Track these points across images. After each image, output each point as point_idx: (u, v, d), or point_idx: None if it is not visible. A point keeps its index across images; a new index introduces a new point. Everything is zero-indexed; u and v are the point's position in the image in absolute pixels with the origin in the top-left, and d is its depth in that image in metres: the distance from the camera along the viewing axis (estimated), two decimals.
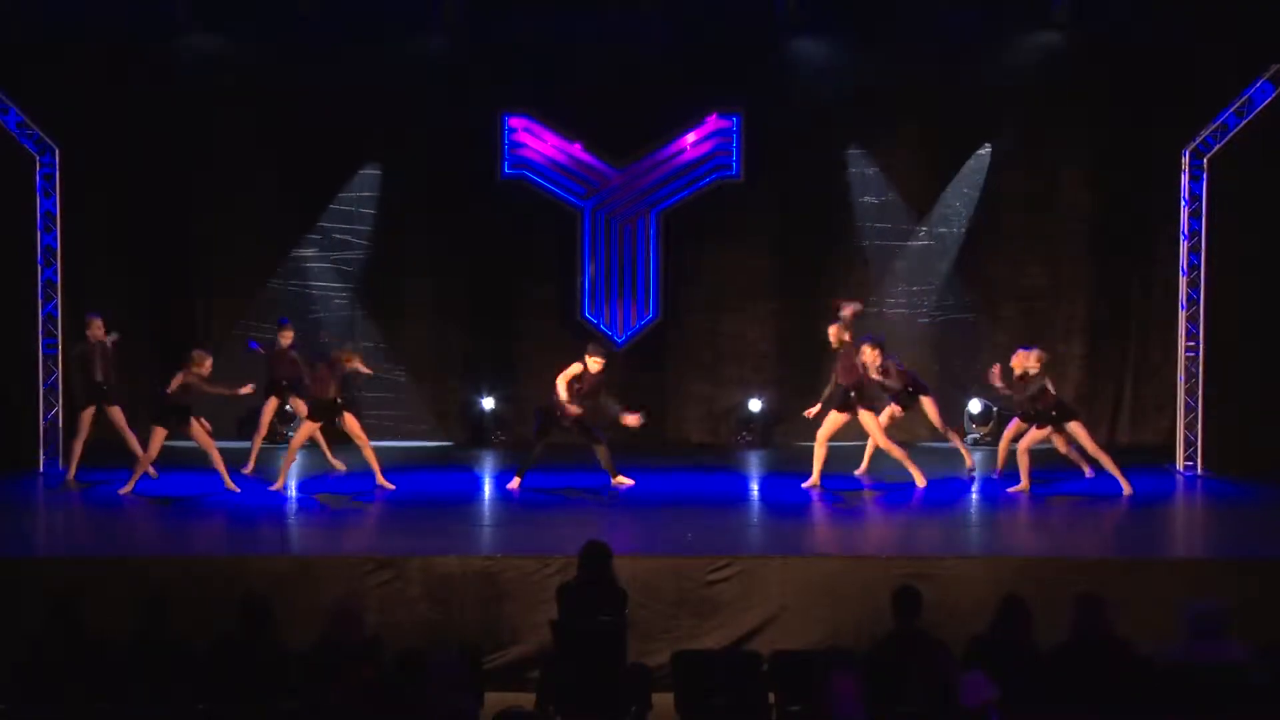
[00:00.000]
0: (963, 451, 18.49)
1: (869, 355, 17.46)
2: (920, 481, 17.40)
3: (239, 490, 16.94)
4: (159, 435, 16.94)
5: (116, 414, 17.87)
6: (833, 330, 17.73)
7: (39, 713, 9.50)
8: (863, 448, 18.33)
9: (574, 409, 17.26)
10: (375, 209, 21.55)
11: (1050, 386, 17.27)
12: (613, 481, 17.43)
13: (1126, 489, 17.01)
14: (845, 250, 21.74)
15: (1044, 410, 17.11)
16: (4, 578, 12.97)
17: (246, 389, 17.47)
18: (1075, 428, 17.22)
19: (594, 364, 17.39)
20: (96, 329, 17.96)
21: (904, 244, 21.70)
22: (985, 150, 21.34)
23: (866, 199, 21.64)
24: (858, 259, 21.73)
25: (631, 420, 17.68)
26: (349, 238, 21.60)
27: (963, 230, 21.62)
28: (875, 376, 17.54)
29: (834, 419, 17.57)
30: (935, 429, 18.51)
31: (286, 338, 18.93)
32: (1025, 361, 17.24)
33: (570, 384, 17.31)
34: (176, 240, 21.31)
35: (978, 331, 21.60)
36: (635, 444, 18.99)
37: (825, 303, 21.22)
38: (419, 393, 21.81)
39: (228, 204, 21.25)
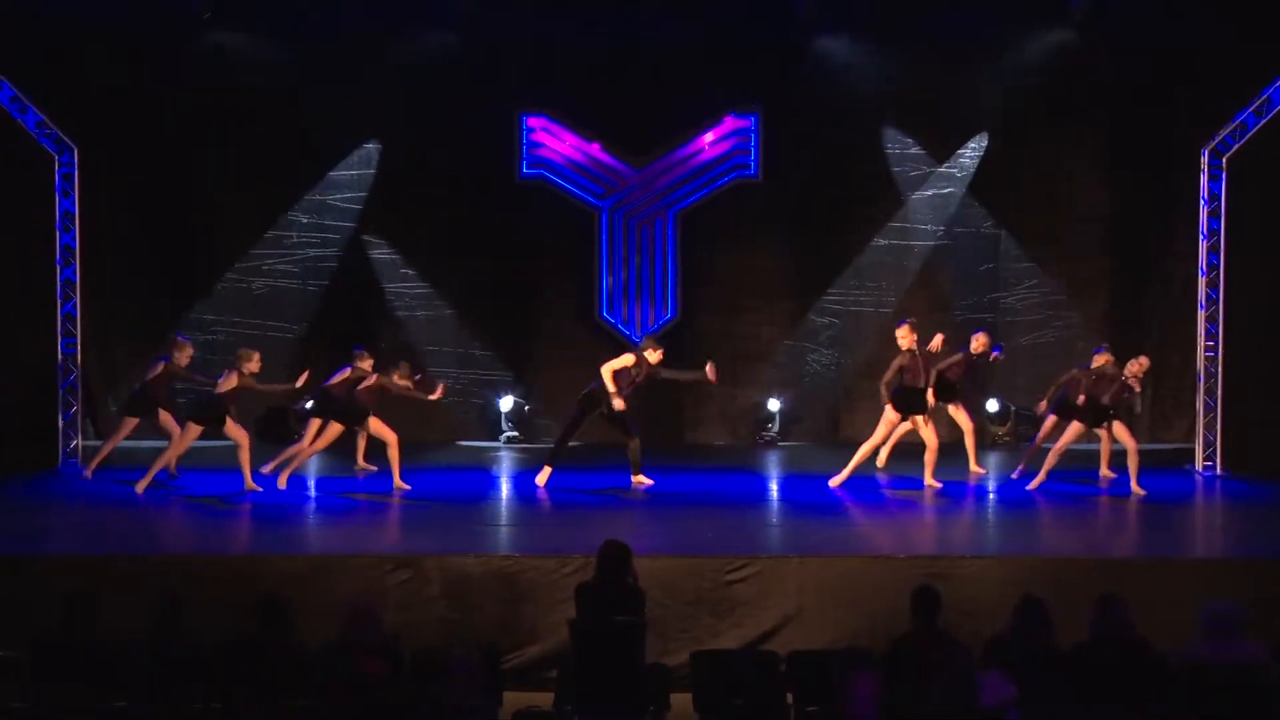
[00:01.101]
0: (970, 455, 18.44)
1: (906, 337, 17.48)
2: (841, 479, 17.42)
3: (260, 490, 16.99)
4: (193, 431, 17.02)
5: (168, 420, 17.78)
6: (906, 330, 17.63)
7: (55, 711, 9.52)
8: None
9: (621, 402, 17.29)
10: (393, 209, 21.57)
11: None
12: (633, 480, 17.43)
13: (1137, 490, 16.98)
14: (863, 250, 21.73)
15: (1108, 407, 17.03)
16: (21, 576, 12.99)
17: (301, 379, 17.39)
18: (1119, 427, 17.17)
19: (654, 355, 17.46)
20: (186, 355, 17.73)
21: (922, 244, 21.69)
22: (981, 142, 21.38)
23: (884, 198, 21.62)
24: (875, 259, 21.71)
25: (711, 373, 17.81)
26: (367, 237, 21.63)
27: (980, 230, 21.62)
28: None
29: (891, 419, 17.50)
30: (962, 430, 18.52)
31: (367, 363, 17.98)
32: (1132, 367, 17.16)
33: (624, 375, 17.34)
34: (195, 239, 21.34)
35: (995, 331, 21.54)
36: (653, 443, 18.98)
37: (842, 302, 21.37)
38: None
39: (247, 203, 21.30)
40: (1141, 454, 17.34)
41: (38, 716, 9.55)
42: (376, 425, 17.39)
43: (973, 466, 18.45)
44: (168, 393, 18.00)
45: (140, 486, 16.87)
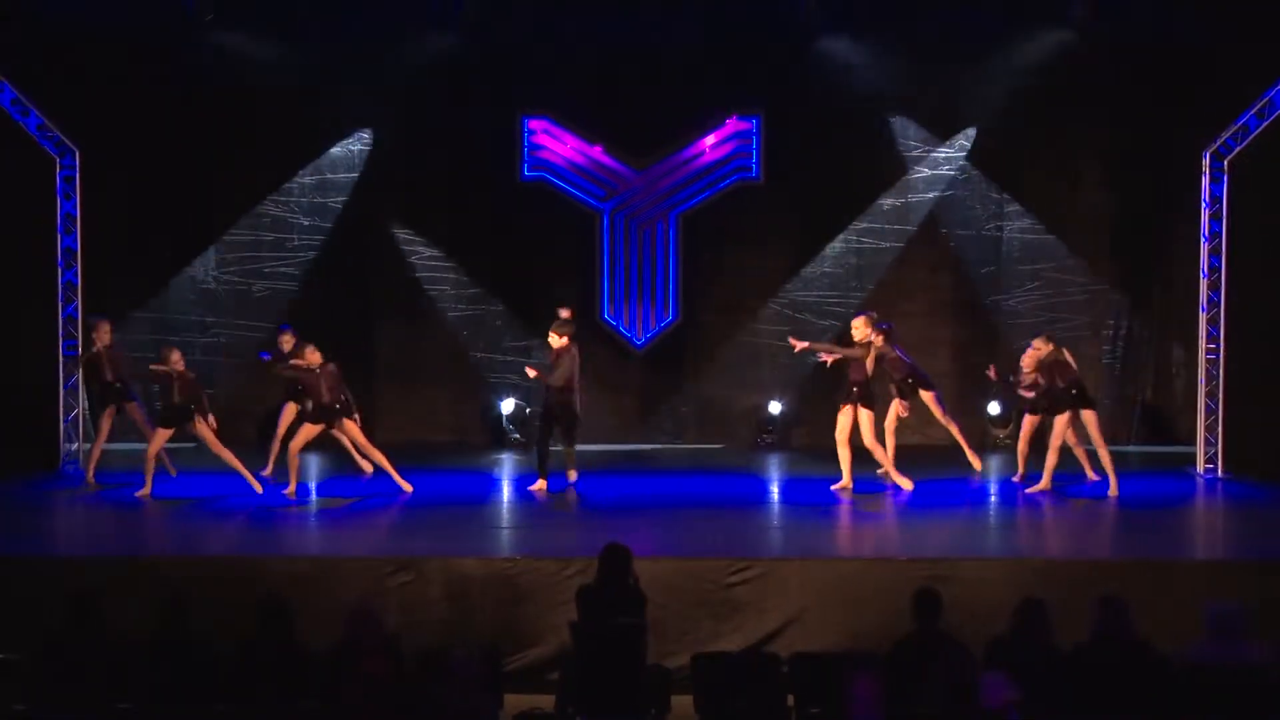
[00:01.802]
0: (966, 451, 18.38)
1: (860, 330, 17.29)
2: (906, 486, 17.34)
3: (262, 490, 16.99)
4: (161, 436, 16.98)
5: (135, 410, 17.95)
6: (862, 323, 17.42)
7: (59, 712, 9.52)
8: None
9: (533, 371, 17.69)
10: (394, 211, 21.60)
11: (1071, 361, 17.18)
12: (534, 486, 17.46)
13: (1114, 490, 16.96)
14: (865, 252, 21.74)
15: (1063, 391, 16.98)
16: (24, 577, 13.00)
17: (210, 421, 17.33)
18: (1089, 416, 17.11)
19: (555, 341, 17.46)
20: (104, 333, 17.95)
21: (923, 246, 21.69)
22: (980, 143, 21.40)
23: (886, 200, 21.64)
24: (877, 261, 21.72)
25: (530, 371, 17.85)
26: (368, 239, 21.63)
27: (980, 232, 21.64)
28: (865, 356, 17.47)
29: (848, 415, 17.43)
30: (940, 425, 18.49)
31: (287, 343, 18.51)
32: (1036, 354, 17.20)
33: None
34: (196, 241, 21.38)
35: (998, 332, 21.58)
36: (654, 446, 18.98)
37: (843, 304, 21.39)
38: (438, 394, 21.83)
39: (247, 205, 21.34)
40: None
41: (41, 718, 9.57)
42: (352, 429, 17.32)
43: (973, 460, 18.41)
44: (117, 380, 17.94)
45: (144, 493, 16.83)
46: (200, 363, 20.38)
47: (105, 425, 18.02)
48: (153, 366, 17.44)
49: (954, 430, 18.27)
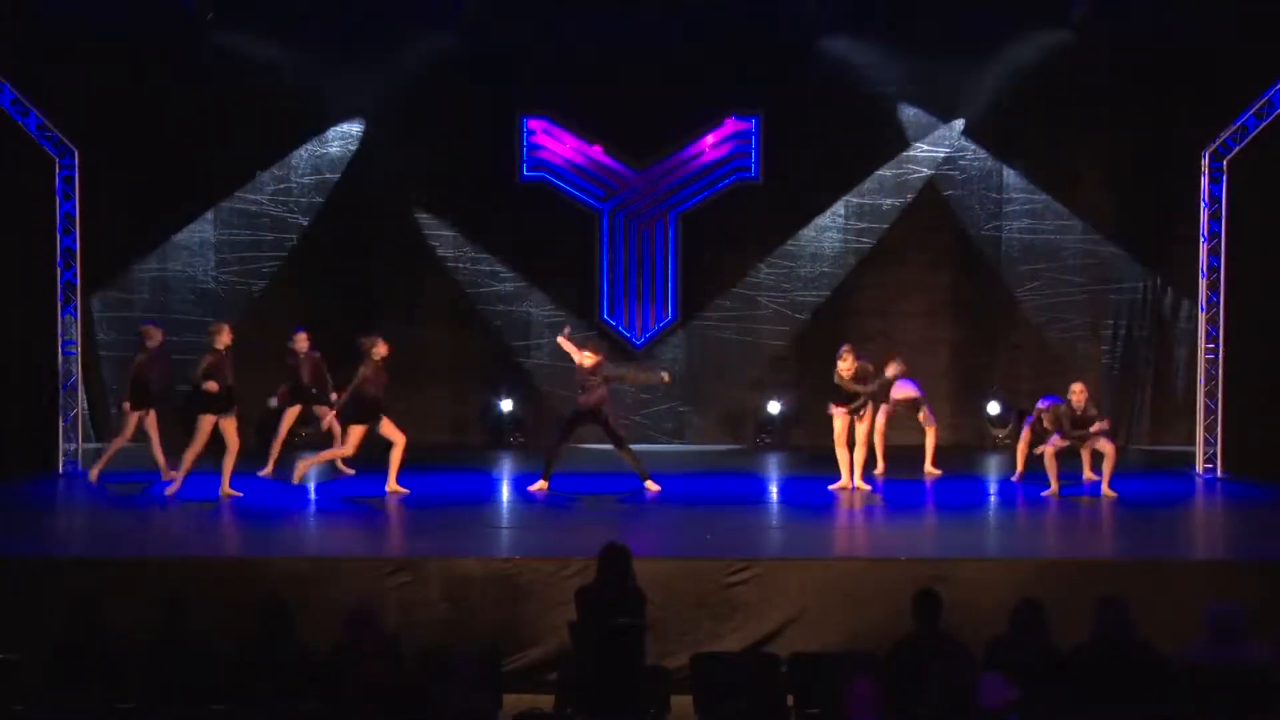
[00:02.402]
0: (928, 453, 18.65)
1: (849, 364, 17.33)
2: (844, 483, 17.40)
3: (240, 494, 16.89)
4: (207, 423, 16.76)
5: (152, 421, 17.84)
6: (851, 362, 17.36)
7: (59, 712, 9.52)
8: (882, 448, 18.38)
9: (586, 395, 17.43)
10: (394, 211, 21.58)
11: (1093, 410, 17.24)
12: (645, 486, 17.36)
13: (1107, 493, 16.97)
14: (864, 252, 21.71)
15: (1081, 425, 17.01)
16: (24, 578, 12.99)
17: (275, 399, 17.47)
18: (1100, 430, 17.13)
19: (585, 359, 17.48)
20: (157, 338, 17.82)
21: (922, 246, 21.67)
22: (980, 142, 21.42)
23: (885, 200, 21.62)
24: (876, 261, 21.70)
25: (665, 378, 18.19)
26: (367, 239, 21.62)
27: (980, 232, 21.63)
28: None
29: (844, 416, 17.46)
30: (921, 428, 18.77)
31: (302, 343, 18.54)
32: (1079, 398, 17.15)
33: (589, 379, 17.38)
34: (195, 241, 21.37)
35: (996, 334, 21.58)
36: (653, 446, 18.94)
37: (843, 304, 21.36)
38: (438, 394, 21.81)
39: (246, 204, 21.34)
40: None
41: (41, 718, 9.57)
42: (386, 425, 17.23)
43: (928, 466, 18.66)
44: (161, 387, 17.90)
45: (172, 490, 16.77)
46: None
47: (131, 426, 17.80)
48: (208, 360, 17.10)
49: (929, 433, 18.81)
